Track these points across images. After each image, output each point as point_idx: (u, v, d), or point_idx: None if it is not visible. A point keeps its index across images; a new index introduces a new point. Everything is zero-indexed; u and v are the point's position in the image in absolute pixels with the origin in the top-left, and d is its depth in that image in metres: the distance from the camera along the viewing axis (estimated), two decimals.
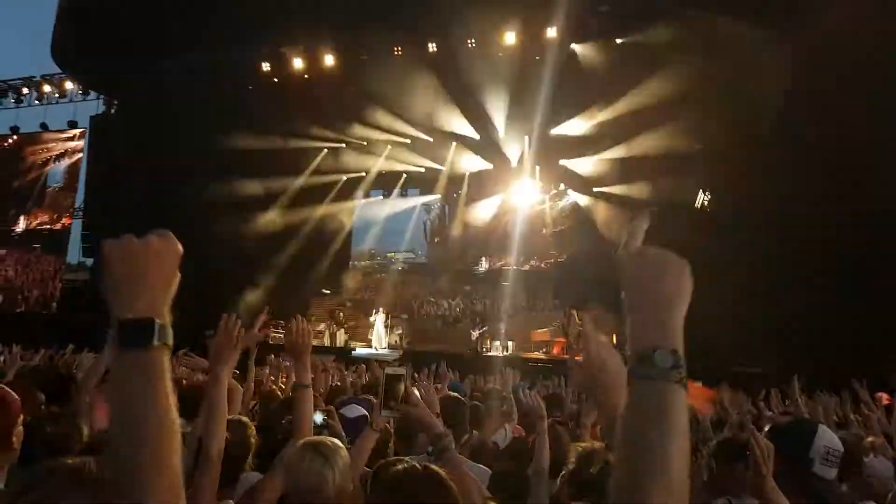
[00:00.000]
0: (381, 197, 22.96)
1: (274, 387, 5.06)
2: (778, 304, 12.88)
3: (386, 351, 16.72)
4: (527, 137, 18.84)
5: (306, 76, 18.43)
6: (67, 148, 22.80)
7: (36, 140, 23.65)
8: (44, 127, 23.42)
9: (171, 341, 0.96)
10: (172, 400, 0.94)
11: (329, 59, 17.62)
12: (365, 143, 21.04)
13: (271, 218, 19.97)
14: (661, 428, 0.90)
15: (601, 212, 18.03)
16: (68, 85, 22.58)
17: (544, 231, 20.46)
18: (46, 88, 23.06)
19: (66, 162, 22.71)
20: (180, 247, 1.01)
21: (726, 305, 10.82)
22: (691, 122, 14.95)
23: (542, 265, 20.48)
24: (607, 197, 17.95)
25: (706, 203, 16.20)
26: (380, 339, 17.61)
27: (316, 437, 2.29)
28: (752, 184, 13.57)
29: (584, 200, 19.05)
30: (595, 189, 18.41)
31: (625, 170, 17.15)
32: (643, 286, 0.99)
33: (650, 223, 1.08)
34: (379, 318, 18.07)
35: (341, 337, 18.74)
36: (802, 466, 2.21)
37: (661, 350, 0.93)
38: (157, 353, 0.93)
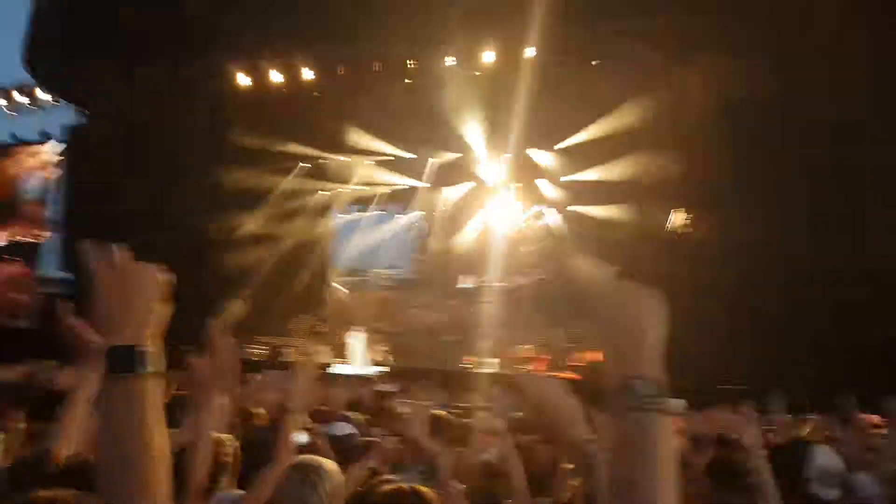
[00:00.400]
0: (359, 213, 22.82)
1: (259, 409, 4.92)
2: (762, 318, 12.95)
3: (370, 368, 16.49)
4: (505, 156, 18.93)
5: (284, 90, 18.28)
6: (42, 160, 22.36)
7: (8, 153, 23.17)
8: (14, 138, 22.99)
9: (161, 368, 0.96)
10: (161, 428, 0.93)
11: (307, 73, 17.50)
12: (343, 159, 20.95)
13: (248, 231, 19.76)
14: (651, 458, 0.89)
15: (578, 230, 18.15)
16: (39, 94, 22.23)
17: (522, 249, 20.49)
18: (17, 98, 22.70)
19: (40, 174, 22.27)
20: (170, 277, 1.02)
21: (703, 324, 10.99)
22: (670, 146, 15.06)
23: (523, 282, 20.45)
24: (582, 217, 18.08)
25: (682, 223, 16.14)
26: (359, 357, 17.37)
27: (303, 458, 2.24)
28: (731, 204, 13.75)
29: (560, 220, 19.17)
30: (570, 209, 18.48)
31: (602, 191, 17.24)
32: (616, 318, 1.00)
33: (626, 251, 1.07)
34: (356, 336, 17.85)
35: (323, 355, 18.49)
36: (799, 489, 2.19)
37: (639, 380, 0.93)
38: (145, 380, 0.93)
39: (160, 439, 0.92)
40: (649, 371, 0.95)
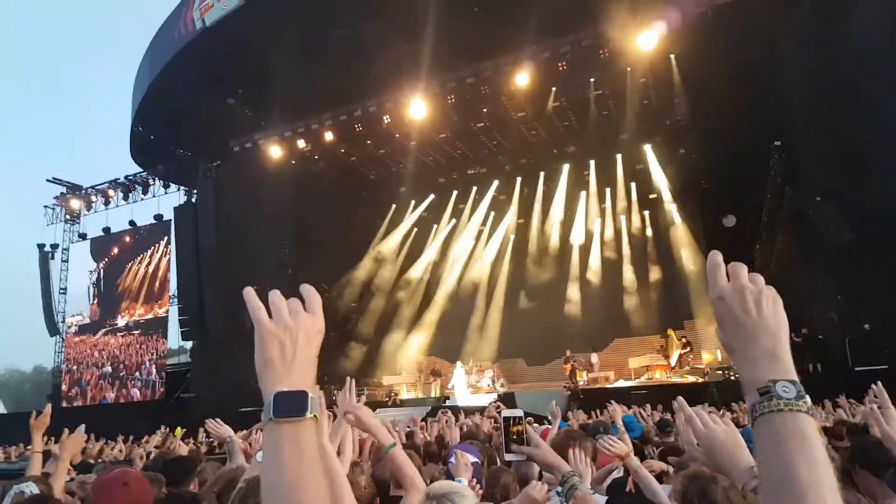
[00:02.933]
0: None
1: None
2: None
3: (483, 396, 16.38)
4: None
5: (315, 156, 19.22)
6: (158, 241, 24.18)
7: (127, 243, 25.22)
8: (132, 224, 25.02)
9: (319, 414, 0.99)
10: (323, 469, 0.96)
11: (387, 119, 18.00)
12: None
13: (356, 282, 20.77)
14: (807, 459, 0.87)
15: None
16: (150, 181, 24.21)
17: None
18: (130, 188, 24.82)
19: (156, 256, 24.06)
20: (323, 325, 1.06)
21: None
22: None
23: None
24: None
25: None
26: (463, 390, 17.22)
27: (440, 486, 2.19)
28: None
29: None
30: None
31: None
32: (746, 325, 0.99)
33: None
34: (459, 370, 17.80)
35: (437, 388, 18.62)
36: None
37: (780, 382, 0.93)
38: (309, 424, 0.96)
39: (324, 480, 0.95)
40: (788, 373, 0.95)
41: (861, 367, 12.59)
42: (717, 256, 1.06)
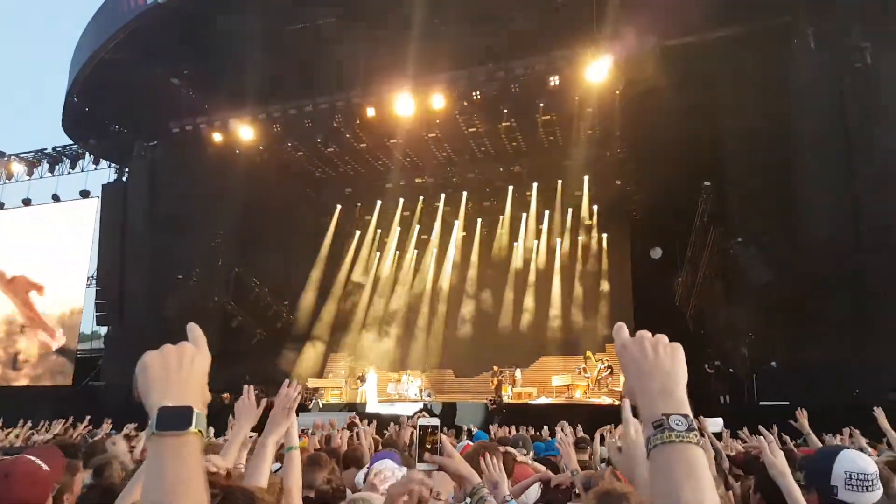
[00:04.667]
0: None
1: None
2: None
3: (409, 405, 16.37)
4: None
5: (260, 146, 18.71)
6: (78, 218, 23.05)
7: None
8: (55, 198, 23.80)
9: (205, 430, 1.00)
10: (205, 484, 0.97)
11: (337, 119, 17.75)
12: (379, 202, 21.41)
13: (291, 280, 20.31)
14: (692, 484, 0.95)
15: None
16: (80, 155, 23.09)
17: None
18: (57, 160, 23.61)
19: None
20: (209, 356, 1.10)
21: None
22: None
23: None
24: None
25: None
26: (373, 395, 17.25)
27: (356, 496, 2.22)
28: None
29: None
30: None
31: None
32: (643, 366, 1.09)
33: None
34: (371, 375, 17.77)
35: (363, 395, 18.42)
36: (827, 497, 2.12)
37: (672, 415, 1.01)
38: (193, 438, 0.98)
39: (205, 494, 0.96)
40: (681, 408, 1.04)
41: (765, 401, 13.27)
42: (619, 323, 1.18)
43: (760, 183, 13.60)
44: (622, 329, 1.17)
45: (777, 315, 13.42)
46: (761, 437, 2.20)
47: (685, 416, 1.02)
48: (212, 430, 8.83)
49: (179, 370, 1.03)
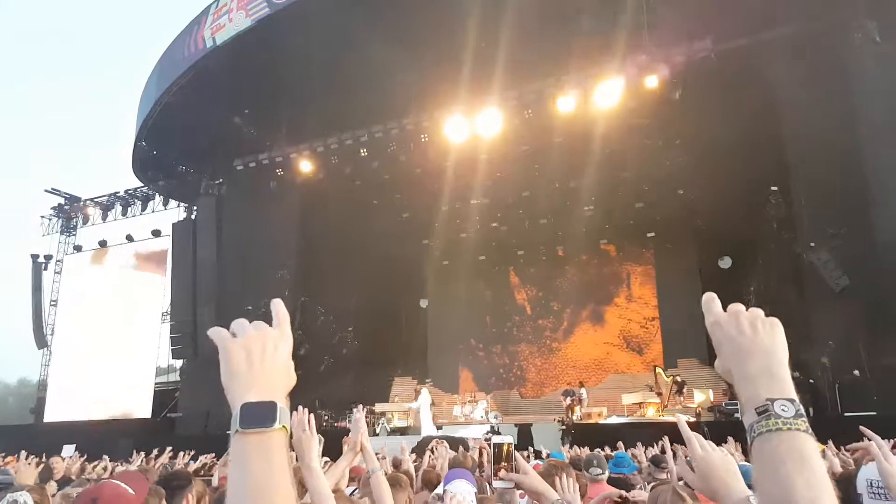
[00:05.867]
0: None
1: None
2: None
3: (476, 427, 16.22)
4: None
5: (373, 164, 18.90)
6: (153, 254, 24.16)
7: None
8: (129, 239, 25.01)
9: (289, 424, 0.98)
10: (292, 480, 0.95)
11: (392, 145, 18.03)
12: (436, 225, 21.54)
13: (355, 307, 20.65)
14: (806, 477, 0.85)
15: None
16: (150, 197, 24.28)
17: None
18: (129, 202, 24.89)
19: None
20: (290, 339, 1.06)
21: None
22: None
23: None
24: None
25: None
26: (427, 417, 16.54)
27: None
28: None
29: None
30: None
31: None
32: (741, 344, 1.00)
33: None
34: (424, 395, 17.16)
35: (416, 416, 18.35)
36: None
37: (778, 400, 0.92)
38: (277, 434, 0.95)
39: (293, 491, 0.94)
40: (788, 392, 0.95)
41: (850, 412, 12.59)
42: (711, 294, 1.09)
43: (830, 184, 13.05)
44: (713, 302, 1.08)
45: (857, 321, 12.76)
46: (875, 440, 2.10)
47: (792, 400, 0.93)
48: None
49: (262, 362, 0.99)
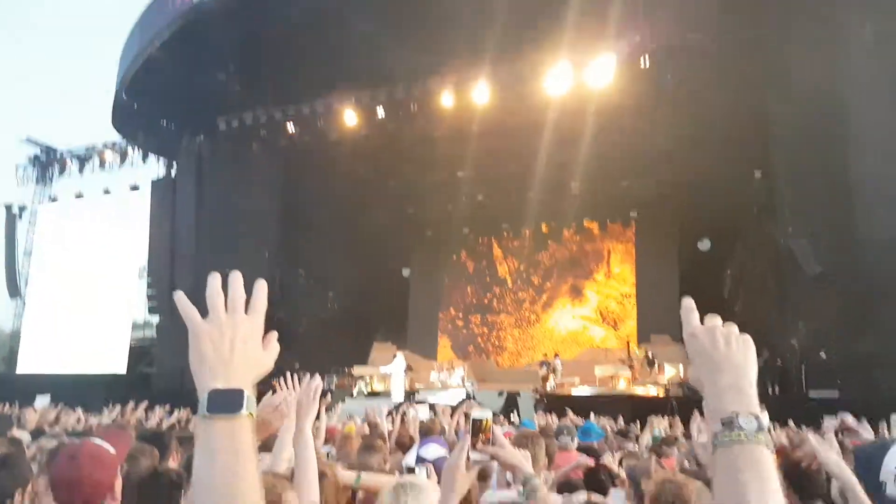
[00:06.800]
0: None
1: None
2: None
3: (452, 393, 16.42)
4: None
5: (361, 130, 18.59)
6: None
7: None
8: (106, 192, 24.60)
9: (255, 411, 0.99)
10: (257, 468, 0.96)
11: (380, 112, 17.73)
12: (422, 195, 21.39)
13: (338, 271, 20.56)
14: (759, 487, 0.92)
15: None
16: (129, 150, 23.80)
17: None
18: (108, 156, 24.39)
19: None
20: (262, 325, 1.05)
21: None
22: None
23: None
24: None
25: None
26: (398, 382, 16.64)
27: (403, 478, 2.28)
28: None
29: None
30: None
31: None
32: (715, 359, 1.05)
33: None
34: (398, 360, 17.20)
35: (407, 382, 18.50)
36: (875, 492, 2.03)
37: (742, 414, 0.98)
38: (244, 421, 0.96)
39: (258, 479, 0.96)
40: (751, 407, 1.00)
41: (814, 393, 12.97)
42: (689, 301, 1.13)
43: (813, 173, 13.20)
44: (692, 313, 1.11)
45: (828, 306, 13.06)
46: (810, 437, 2.15)
47: (755, 415, 0.99)
48: None
49: (232, 352, 0.99)
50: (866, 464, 2.11)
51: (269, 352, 1.06)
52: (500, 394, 15.63)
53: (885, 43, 12.46)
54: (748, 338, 1.08)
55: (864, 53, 12.63)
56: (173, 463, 3.47)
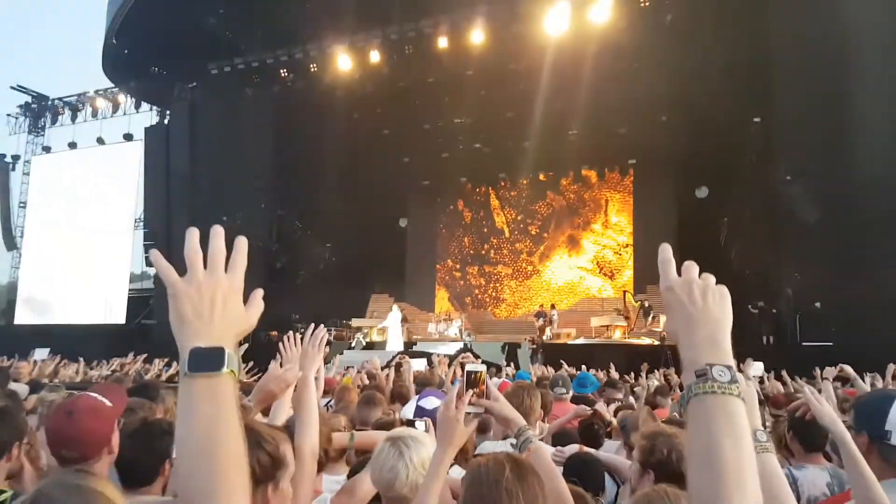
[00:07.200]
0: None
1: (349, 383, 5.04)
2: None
3: (450, 345, 16.60)
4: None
5: (355, 75, 18.19)
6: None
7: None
8: (100, 141, 24.31)
9: (238, 370, 0.99)
10: (240, 425, 0.96)
11: (375, 56, 17.30)
12: (417, 143, 21.08)
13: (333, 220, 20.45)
14: (732, 437, 0.94)
15: None
16: (121, 98, 23.38)
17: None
18: (100, 104, 23.99)
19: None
20: (241, 286, 1.03)
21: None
22: None
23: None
24: None
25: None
26: (396, 333, 16.81)
27: (399, 431, 2.29)
28: None
29: None
30: None
31: None
32: (691, 313, 1.05)
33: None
34: (394, 313, 17.34)
35: (405, 333, 18.67)
36: (879, 441, 2.04)
37: (716, 366, 0.99)
38: (226, 379, 0.96)
39: (241, 435, 0.96)
40: (725, 359, 1.01)
41: (808, 342, 13.14)
42: (667, 251, 1.11)
43: (811, 120, 13.06)
44: (669, 264, 1.11)
45: (824, 255, 13.11)
46: (805, 389, 2.16)
47: (729, 367, 1.00)
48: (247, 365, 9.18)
49: (212, 313, 0.99)
50: (871, 412, 2.11)
51: (253, 308, 1.05)
52: (503, 347, 15.79)
53: None
54: (725, 290, 1.08)
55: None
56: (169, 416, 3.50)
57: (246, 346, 9.02)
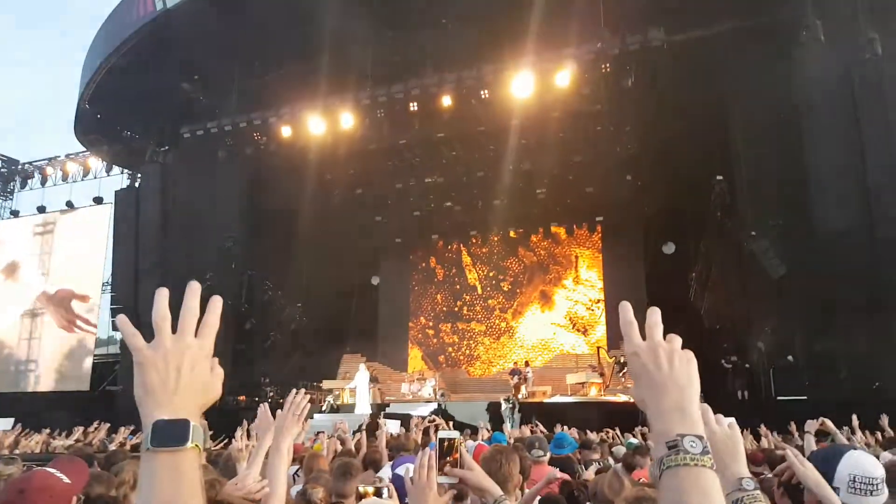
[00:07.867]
0: None
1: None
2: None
3: (424, 406, 16.32)
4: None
5: (328, 138, 18.38)
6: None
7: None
8: (69, 205, 24.02)
9: (203, 442, 0.95)
10: (203, 500, 0.93)
11: (347, 119, 17.57)
12: (390, 202, 21.21)
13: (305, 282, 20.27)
14: None
15: None
16: (92, 162, 23.26)
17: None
18: (70, 168, 23.82)
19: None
20: (210, 350, 1.01)
21: None
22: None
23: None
24: None
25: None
26: (364, 394, 16.62)
27: (373, 500, 2.23)
28: None
29: None
30: None
31: None
32: (658, 380, 1.03)
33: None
34: (361, 373, 17.15)
35: (376, 394, 18.36)
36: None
37: (687, 436, 0.97)
38: (189, 453, 0.92)
39: None
40: (695, 428, 1.00)
41: (783, 396, 13.20)
42: (628, 312, 1.09)
43: (773, 176, 13.50)
44: (632, 328, 1.08)
45: (793, 309, 13.32)
46: (788, 452, 2.16)
47: (700, 437, 0.98)
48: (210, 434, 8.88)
49: (178, 381, 0.95)
50: (821, 467, 2.08)
51: (216, 377, 1.01)
52: (488, 406, 15.58)
53: (837, 42, 12.85)
54: (691, 355, 1.07)
55: (817, 53, 12.99)
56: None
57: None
